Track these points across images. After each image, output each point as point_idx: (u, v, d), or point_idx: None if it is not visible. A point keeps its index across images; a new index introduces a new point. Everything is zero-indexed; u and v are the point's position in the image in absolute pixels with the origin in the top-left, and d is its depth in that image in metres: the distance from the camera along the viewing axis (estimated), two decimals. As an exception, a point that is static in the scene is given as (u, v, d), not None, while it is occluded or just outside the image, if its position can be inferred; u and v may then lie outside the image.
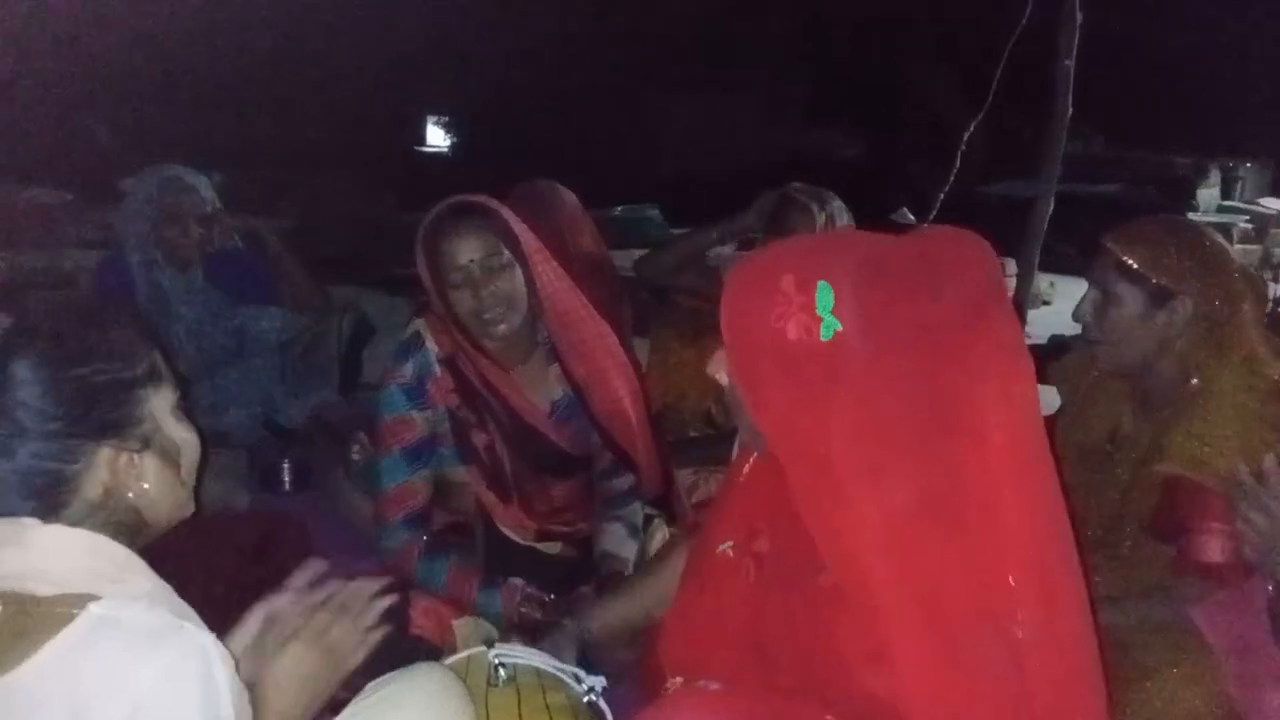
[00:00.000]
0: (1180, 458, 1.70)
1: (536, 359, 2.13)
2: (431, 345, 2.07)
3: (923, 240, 1.25)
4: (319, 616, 1.27)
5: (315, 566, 1.38)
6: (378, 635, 1.31)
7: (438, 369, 2.06)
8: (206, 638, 1.07)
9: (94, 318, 1.17)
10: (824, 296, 1.13)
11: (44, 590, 1.05)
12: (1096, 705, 1.19)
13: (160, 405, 1.19)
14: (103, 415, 1.13)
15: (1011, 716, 1.13)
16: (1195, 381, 1.74)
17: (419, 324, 2.09)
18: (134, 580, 1.11)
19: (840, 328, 1.13)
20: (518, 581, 1.98)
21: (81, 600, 1.04)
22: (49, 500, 1.11)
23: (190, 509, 1.25)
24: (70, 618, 1.03)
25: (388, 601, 1.34)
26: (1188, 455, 1.69)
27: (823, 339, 1.13)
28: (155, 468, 1.18)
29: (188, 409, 1.26)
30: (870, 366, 1.13)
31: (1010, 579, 1.13)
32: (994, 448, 1.15)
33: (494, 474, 2.11)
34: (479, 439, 2.09)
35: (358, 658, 1.29)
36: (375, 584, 1.34)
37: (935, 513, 1.13)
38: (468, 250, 1.98)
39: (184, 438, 1.23)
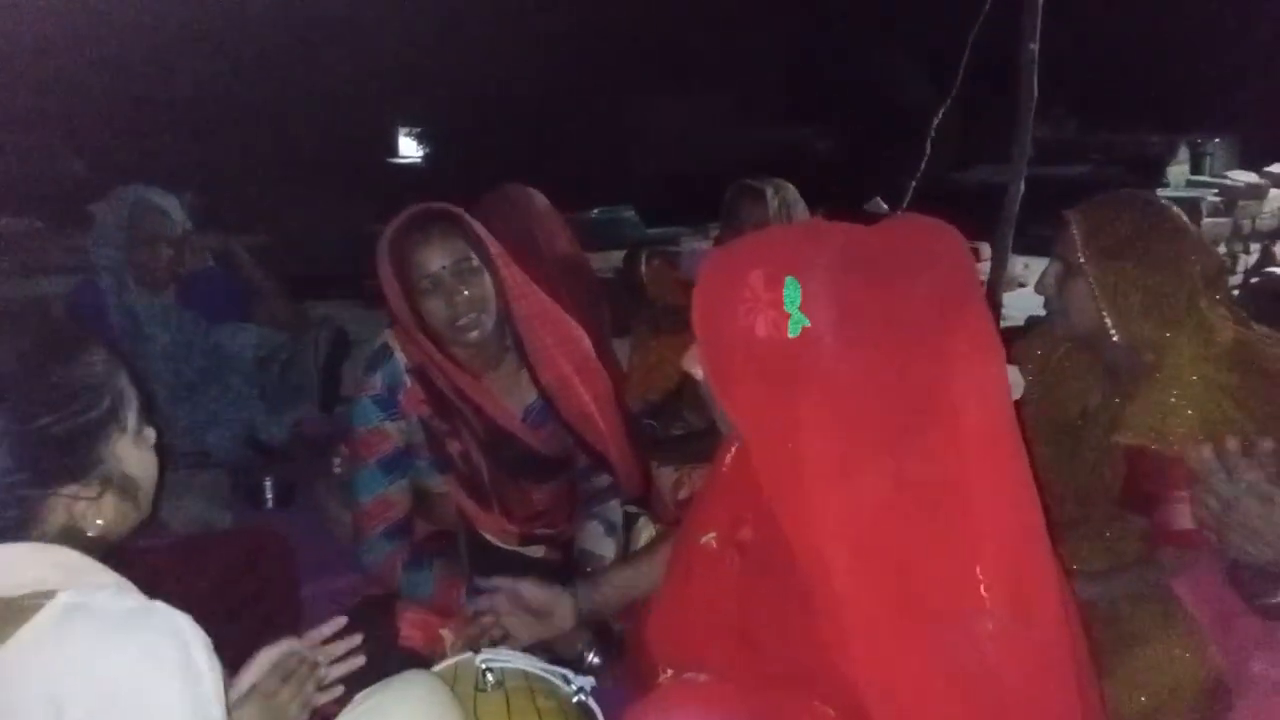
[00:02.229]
0: (1139, 429, 1.71)
1: (507, 364, 2.13)
2: (400, 356, 2.06)
3: (893, 231, 1.25)
4: (268, 680, 1.32)
5: (336, 623, 1.44)
6: (322, 699, 1.38)
7: (408, 380, 2.05)
8: (181, 618, 1.07)
9: (56, 355, 1.15)
10: (791, 292, 1.13)
11: (10, 593, 1.05)
12: (1066, 690, 1.18)
13: (122, 440, 1.18)
14: (61, 463, 1.12)
15: (976, 704, 1.12)
16: (1151, 356, 1.76)
17: (387, 335, 2.08)
18: (96, 576, 1.11)
19: (808, 323, 1.13)
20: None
21: (50, 594, 1.04)
22: (5, 537, 1.09)
23: (146, 514, 1.25)
24: (38, 608, 1.03)
25: (332, 667, 1.40)
26: (1147, 426, 1.70)
27: (790, 335, 1.13)
28: (113, 504, 1.17)
29: (152, 422, 1.25)
30: (840, 361, 1.13)
31: (979, 568, 1.12)
32: (966, 438, 1.15)
33: (471, 481, 2.11)
34: (454, 447, 2.08)
35: None
36: (328, 650, 1.40)
37: (906, 504, 1.13)
38: (438, 257, 1.97)
39: (143, 467, 1.22)
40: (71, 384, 1.13)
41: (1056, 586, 1.20)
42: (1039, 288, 1.88)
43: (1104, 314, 1.76)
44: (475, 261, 2.00)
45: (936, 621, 1.12)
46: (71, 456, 1.12)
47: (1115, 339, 1.78)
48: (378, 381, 2.05)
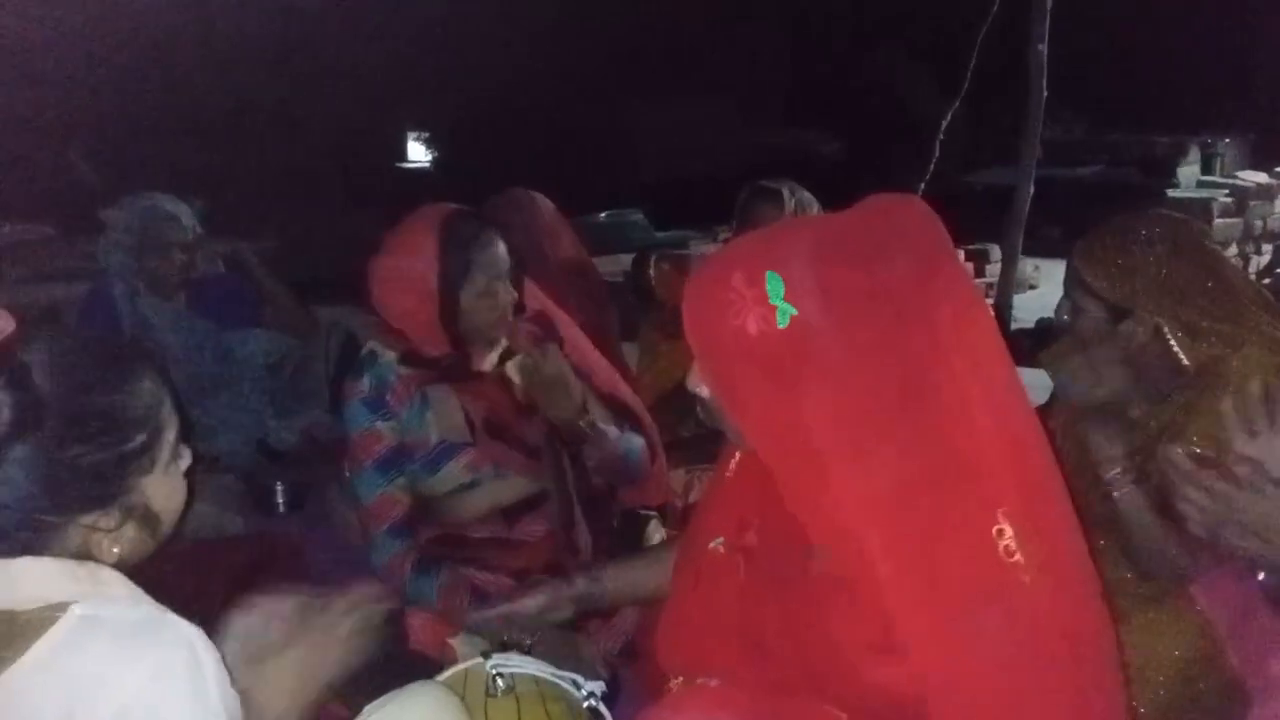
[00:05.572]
0: (1205, 439, 1.65)
1: (495, 356, 2.15)
2: (385, 355, 2.07)
3: (863, 211, 1.25)
4: (297, 626, 1.29)
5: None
6: (356, 643, 1.33)
7: (394, 378, 2.06)
8: (192, 629, 1.07)
9: (105, 382, 1.13)
10: (774, 285, 1.14)
11: (23, 606, 1.05)
12: (1106, 640, 1.18)
13: (152, 473, 1.16)
14: (85, 493, 1.11)
15: (1020, 669, 1.12)
16: (1212, 375, 1.70)
17: (372, 344, 2.11)
18: (111, 586, 1.11)
19: (795, 312, 1.13)
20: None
21: (62, 606, 1.05)
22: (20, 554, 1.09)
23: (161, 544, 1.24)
24: (53, 620, 1.03)
25: (357, 610, 1.35)
26: (1212, 437, 1.62)
27: (780, 326, 1.13)
28: (132, 535, 1.16)
29: (189, 445, 1.24)
30: (834, 343, 1.14)
31: (1009, 528, 1.12)
32: (968, 397, 1.15)
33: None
34: (466, 400, 2.08)
35: (339, 663, 1.30)
36: (357, 596, 1.36)
37: (925, 478, 1.13)
38: (499, 261, 2.02)
39: (168, 500, 1.20)
40: (112, 415, 1.11)
41: (1077, 528, 1.20)
42: (1055, 319, 1.82)
43: (1176, 350, 1.71)
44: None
45: (971, 590, 1.12)
46: (97, 487, 1.11)
47: (1189, 367, 1.72)
48: (365, 384, 2.06)
